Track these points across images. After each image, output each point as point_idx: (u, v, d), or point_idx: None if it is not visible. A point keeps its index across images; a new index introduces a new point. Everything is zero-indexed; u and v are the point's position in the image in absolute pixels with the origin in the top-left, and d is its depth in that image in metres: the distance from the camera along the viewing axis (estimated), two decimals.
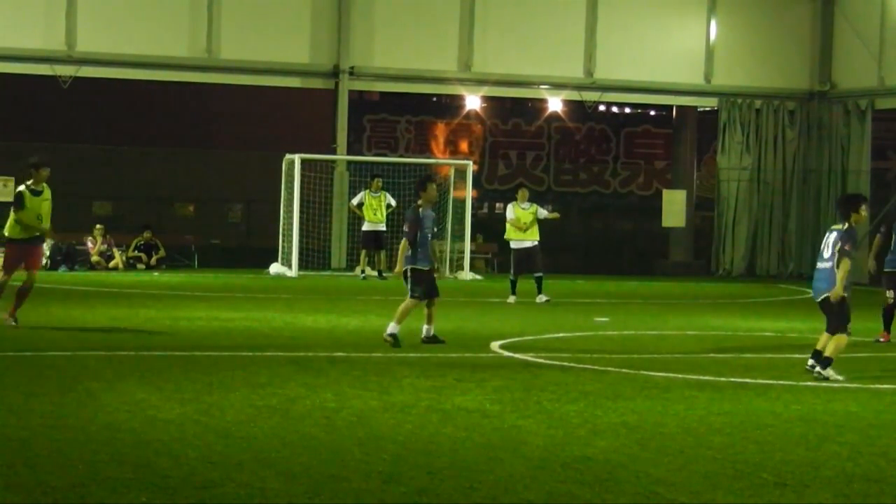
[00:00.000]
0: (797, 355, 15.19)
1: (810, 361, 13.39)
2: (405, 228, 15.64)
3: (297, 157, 29.60)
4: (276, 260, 29.84)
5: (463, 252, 30.36)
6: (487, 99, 37.72)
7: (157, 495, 7.47)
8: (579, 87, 33.66)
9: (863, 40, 33.37)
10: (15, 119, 38.79)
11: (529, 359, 14.44)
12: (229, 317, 18.70)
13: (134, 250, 30.97)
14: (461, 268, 30.26)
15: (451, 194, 30.84)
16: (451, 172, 31.51)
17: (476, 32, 32.57)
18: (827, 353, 13.12)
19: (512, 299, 22.70)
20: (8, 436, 9.10)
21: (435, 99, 41.43)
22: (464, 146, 41.99)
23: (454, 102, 39.04)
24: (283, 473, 8.10)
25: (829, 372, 13.01)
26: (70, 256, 29.41)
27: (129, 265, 30.40)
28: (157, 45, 30.87)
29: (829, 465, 8.82)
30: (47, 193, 16.52)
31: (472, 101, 36.47)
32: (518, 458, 8.75)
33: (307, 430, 9.62)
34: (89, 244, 30.07)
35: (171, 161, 37.93)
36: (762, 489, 8.05)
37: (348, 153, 32.74)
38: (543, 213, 23.16)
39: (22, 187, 16.48)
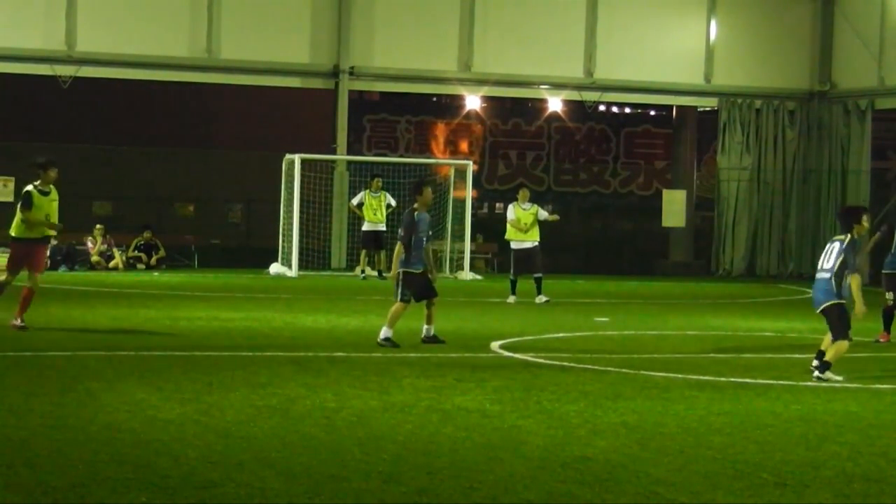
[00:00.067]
0: (797, 355, 15.20)
1: (815, 363, 13.40)
2: (400, 232, 15.66)
3: (297, 157, 29.60)
4: (276, 260, 29.83)
5: (463, 252, 30.35)
6: (487, 99, 37.72)
7: (157, 495, 7.47)
8: (579, 87, 33.66)
9: (863, 40, 33.37)
10: (15, 119, 38.81)
11: (529, 359, 14.44)
12: (229, 317, 18.71)
13: (134, 250, 30.97)
14: (461, 268, 30.26)
15: (451, 194, 30.84)
16: (451, 172, 31.51)
17: (476, 32, 32.57)
18: (827, 357, 13.15)
19: (512, 299, 22.70)
20: (8, 436, 9.10)
21: (435, 99, 41.43)
22: (464, 146, 41.99)
23: (454, 102, 39.04)
24: (283, 473, 8.11)
25: (828, 375, 13.03)
26: (70, 256, 29.42)
27: (129, 265, 30.41)
28: (157, 45, 30.87)
29: (829, 465, 8.82)
30: (55, 194, 16.43)
31: (472, 101, 36.46)
32: (518, 458, 8.75)
33: (307, 430, 9.62)
34: (89, 244, 30.07)
35: (171, 161, 37.94)
36: (762, 489, 8.05)
37: (348, 153, 32.74)
38: (544, 214, 23.14)
39: (30, 187, 16.37)
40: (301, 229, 29.53)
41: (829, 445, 9.53)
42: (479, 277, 30.15)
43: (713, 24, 34.19)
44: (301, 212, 29.54)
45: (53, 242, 27.40)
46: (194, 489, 7.66)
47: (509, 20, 32.77)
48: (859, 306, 13.40)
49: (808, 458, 9.03)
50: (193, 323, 17.76)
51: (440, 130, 41.98)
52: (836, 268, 13.28)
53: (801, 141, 34.90)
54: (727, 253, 34.69)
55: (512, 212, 23.00)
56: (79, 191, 33.33)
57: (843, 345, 13.19)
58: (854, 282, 13.26)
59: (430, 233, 16.05)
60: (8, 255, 16.60)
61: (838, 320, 13.25)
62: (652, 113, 43.50)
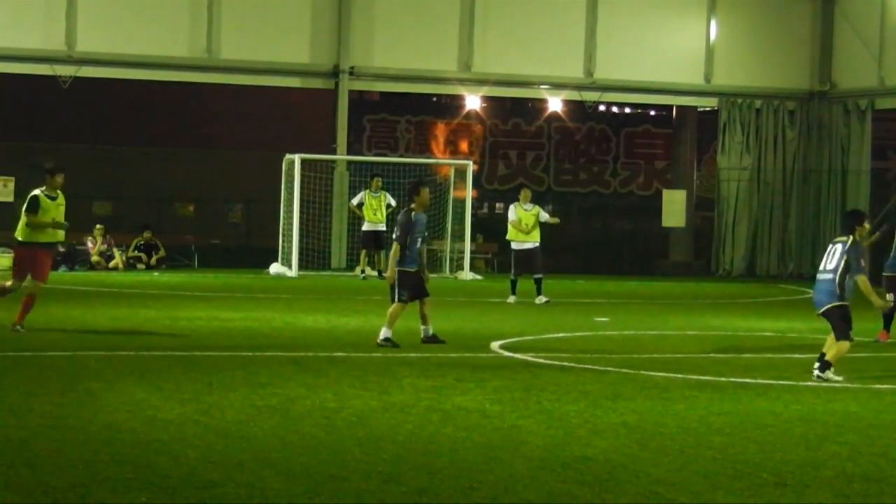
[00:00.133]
0: (797, 355, 15.22)
1: (817, 367, 13.40)
2: (397, 232, 15.70)
3: (297, 157, 29.60)
4: (276, 260, 29.84)
5: (463, 252, 30.35)
6: (487, 99, 37.72)
7: (157, 495, 7.48)
8: (579, 87, 33.66)
9: (863, 40, 33.38)
10: (15, 119, 38.80)
11: (529, 359, 14.44)
12: (229, 317, 18.71)
13: (134, 250, 30.97)
14: (461, 268, 30.25)
15: (451, 194, 30.84)
16: (451, 172, 31.51)
17: (476, 32, 32.57)
18: (828, 357, 13.15)
19: (512, 299, 22.70)
20: (8, 436, 9.10)
21: (435, 99, 41.42)
22: (464, 146, 41.98)
23: (454, 102, 39.03)
24: (283, 473, 8.11)
25: (828, 374, 13.03)
26: (70, 256, 29.42)
27: (129, 265, 30.41)
28: (157, 45, 30.88)
29: (829, 465, 8.82)
30: (61, 199, 16.28)
31: (472, 101, 36.46)
32: (518, 458, 8.75)
33: (307, 430, 9.62)
34: (89, 244, 30.07)
35: (171, 161, 37.92)
36: (762, 489, 8.05)
37: (348, 153, 32.74)
38: (545, 216, 23.08)
39: (37, 191, 16.19)
40: (301, 229, 29.53)
41: (829, 445, 9.53)
42: (479, 277, 30.14)
43: (713, 24, 34.19)
44: (301, 212, 29.54)
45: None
46: (194, 489, 7.66)
47: (509, 20, 32.77)
48: (876, 301, 13.78)
49: (808, 458, 9.03)
50: (193, 323, 17.76)
51: (440, 130, 41.97)
52: (839, 269, 13.27)
53: (801, 141, 34.90)
54: (727, 253, 34.69)
55: (513, 212, 22.97)
56: (79, 191, 33.33)
57: (845, 345, 13.20)
58: (862, 282, 13.28)
59: (426, 234, 16.10)
60: (12, 259, 16.47)
61: (840, 321, 13.26)
62: (652, 113, 43.49)
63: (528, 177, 41.42)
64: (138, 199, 36.99)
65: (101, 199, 36.32)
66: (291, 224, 29.33)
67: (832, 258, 13.43)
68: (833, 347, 13.21)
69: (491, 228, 34.72)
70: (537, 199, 23.70)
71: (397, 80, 33.47)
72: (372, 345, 15.22)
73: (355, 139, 37.18)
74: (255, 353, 14.33)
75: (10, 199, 30.94)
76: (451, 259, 30.65)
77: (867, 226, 13.86)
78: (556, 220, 23.39)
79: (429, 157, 38.34)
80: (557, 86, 33.80)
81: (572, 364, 13.98)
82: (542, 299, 22.56)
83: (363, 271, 28.66)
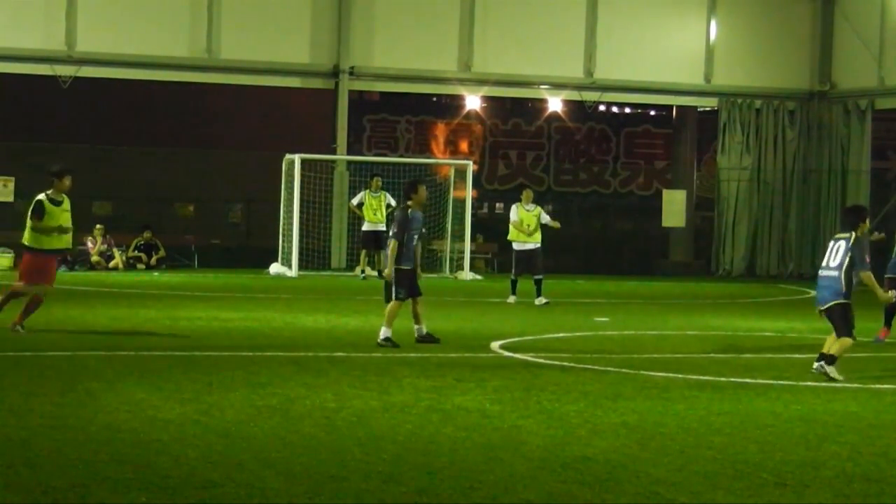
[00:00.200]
0: (797, 355, 15.21)
1: (816, 364, 13.41)
2: (394, 229, 15.73)
3: (297, 157, 29.60)
4: (276, 260, 29.84)
5: (463, 252, 30.35)
6: (487, 99, 37.72)
7: (157, 495, 7.47)
8: (579, 87, 33.67)
9: (863, 40, 33.38)
10: (15, 119, 38.82)
11: (529, 359, 14.44)
12: (229, 317, 18.71)
13: (134, 250, 30.98)
14: (461, 268, 30.25)
15: (451, 194, 30.84)
16: (451, 172, 31.51)
17: (476, 32, 32.58)
18: (832, 352, 13.15)
19: (512, 299, 22.68)
20: (8, 436, 9.10)
21: (435, 99, 41.44)
22: (464, 146, 42.00)
23: (454, 102, 39.04)
24: (283, 473, 8.11)
25: (832, 369, 13.02)
26: (70, 256, 29.41)
27: (129, 265, 30.41)
28: (157, 45, 30.88)
29: (829, 465, 8.82)
30: (67, 203, 16.10)
31: (472, 101, 36.47)
32: (518, 458, 8.75)
33: (307, 430, 9.62)
34: (89, 244, 30.06)
35: (171, 161, 37.94)
36: (762, 489, 8.05)
37: (348, 153, 32.75)
38: (546, 218, 22.99)
39: (42, 196, 15.95)
40: (301, 229, 29.53)
41: (829, 445, 9.53)
42: (479, 277, 30.14)
43: (713, 24, 34.19)
44: (301, 212, 29.54)
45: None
46: (194, 489, 7.66)
47: (509, 20, 32.78)
48: (882, 294, 13.93)
49: (808, 458, 9.03)
50: (193, 323, 17.76)
51: (440, 130, 41.99)
52: (843, 266, 13.26)
53: (801, 141, 34.90)
54: (727, 253, 34.69)
55: (515, 213, 22.88)
56: (79, 191, 33.34)
57: (848, 342, 13.20)
58: (867, 277, 13.29)
59: (423, 230, 16.14)
60: (22, 264, 16.30)
61: (842, 319, 13.26)
62: (652, 113, 43.51)
63: (528, 177, 41.44)
64: (138, 199, 37.00)
65: (101, 199, 36.33)
66: (291, 224, 29.34)
67: (836, 255, 13.40)
68: (837, 343, 13.20)
69: (491, 228, 34.72)
70: (537, 199, 23.68)
71: (397, 80, 33.47)
72: (372, 345, 15.23)
73: (355, 139, 37.19)
74: (255, 353, 14.33)
75: (10, 199, 30.95)
76: (451, 259, 30.65)
77: (867, 223, 13.84)
78: (556, 225, 23.17)
79: (429, 157, 38.36)
80: (557, 86, 33.80)
81: (572, 364, 13.98)
82: (541, 301, 22.50)
83: (363, 271, 28.65)
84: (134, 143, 38.41)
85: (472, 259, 30.90)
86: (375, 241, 28.57)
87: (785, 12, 34.81)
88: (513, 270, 23.06)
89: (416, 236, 15.77)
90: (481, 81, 33.22)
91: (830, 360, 13.10)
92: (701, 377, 13.13)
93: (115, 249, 30.22)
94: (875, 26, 33.14)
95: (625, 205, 43.07)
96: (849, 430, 10.19)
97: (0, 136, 34.89)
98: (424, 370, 13.12)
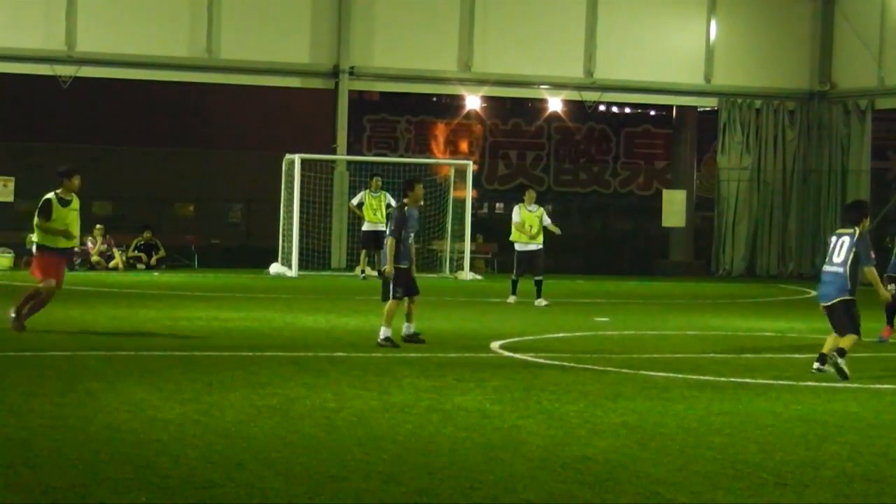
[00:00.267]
0: (797, 355, 15.22)
1: (816, 364, 13.41)
2: (391, 227, 15.75)
3: (297, 157, 29.60)
4: (276, 260, 29.84)
5: (463, 252, 30.35)
6: (487, 99, 37.72)
7: (157, 495, 7.47)
8: (579, 87, 33.66)
9: (863, 40, 33.38)
10: (15, 119, 38.82)
11: (529, 359, 14.44)
12: (229, 317, 18.71)
13: (134, 250, 30.98)
14: (461, 268, 30.25)
15: (451, 194, 30.84)
16: (451, 172, 31.51)
17: (476, 32, 32.58)
18: (842, 345, 13.15)
19: (512, 299, 22.66)
20: (8, 436, 9.10)
21: (435, 99, 41.45)
22: (464, 146, 42.01)
23: (454, 102, 39.05)
24: (283, 473, 8.11)
25: (843, 361, 13.02)
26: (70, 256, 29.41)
27: (129, 265, 30.41)
28: (157, 45, 30.88)
29: (829, 465, 8.82)
30: (76, 203, 16.13)
31: (472, 101, 36.46)
32: (518, 458, 8.75)
33: (307, 430, 9.62)
34: (89, 244, 30.05)
35: (171, 161, 37.93)
36: (762, 489, 8.05)
37: (348, 153, 32.75)
38: (548, 220, 22.94)
39: (50, 195, 15.94)
40: (301, 229, 29.53)
41: (829, 445, 9.53)
42: (479, 277, 30.14)
43: (713, 24, 34.19)
44: (301, 212, 29.54)
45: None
46: (194, 489, 7.66)
47: (509, 20, 32.77)
48: (882, 292, 13.93)
49: (808, 458, 9.03)
50: (193, 323, 17.76)
51: (440, 130, 42.00)
52: (848, 261, 13.25)
53: (801, 141, 34.91)
54: (727, 253, 34.69)
55: (517, 214, 22.80)
56: (79, 191, 33.39)
57: (853, 337, 13.22)
58: (870, 272, 13.30)
59: (417, 228, 16.18)
60: (36, 263, 16.25)
61: (847, 316, 13.27)
62: (652, 113, 43.52)
63: (528, 177, 41.45)
64: (138, 199, 37.00)
65: (101, 199, 36.32)
66: (291, 224, 29.34)
67: (840, 251, 13.37)
68: (846, 338, 13.20)
69: (491, 228, 34.72)
70: (537, 200, 23.64)
71: (397, 80, 33.47)
72: (372, 345, 15.23)
73: (355, 139, 37.20)
74: (255, 353, 14.33)
75: (10, 199, 30.95)
76: (451, 259, 30.65)
77: (868, 219, 13.86)
78: (557, 230, 23.04)
79: (429, 157, 38.36)
80: (557, 86, 33.80)
81: (572, 364, 13.98)
82: (541, 302, 22.45)
83: (363, 271, 28.65)
84: (134, 143, 38.41)
85: (472, 259, 30.90)
86: (375, 241, 28.50)
87: (785, 12, 34.81)
88: (514, 271, 23.00)
89: (411, 234, 15.82)
90: (481, 81, 33.22)
91: (842, 351, 13.11)
92: (701, 377, 13.13)
93: (115, 249, 30.22)
94: (875, 26, 33.14)
95: (625, 205, 43.08)
96: (849, 430, 10.19)
97: (0, 136, 34.89)
98: (424, 370, 13.12)
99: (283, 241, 29.85)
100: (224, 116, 40.87)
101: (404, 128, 41.71)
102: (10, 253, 29.51)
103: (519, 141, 42.74)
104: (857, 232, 13.39)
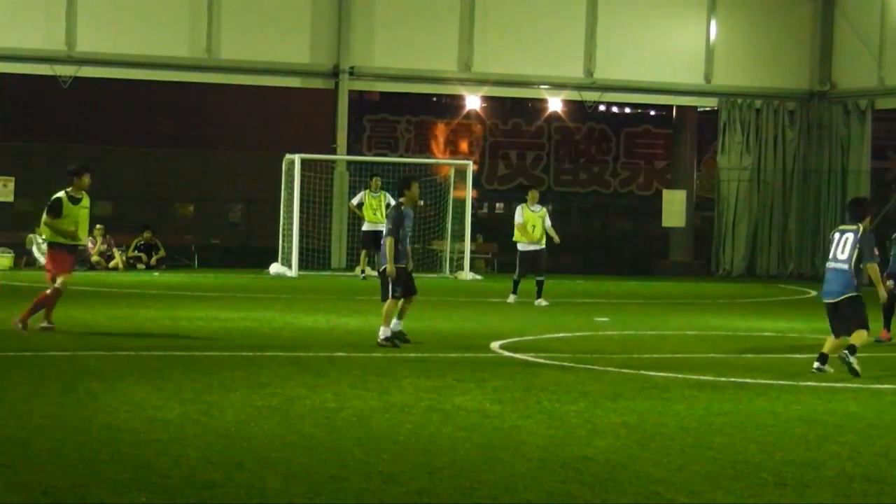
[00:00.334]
0: (797, 355, 15.22)
1: (816, 364, 13.41)
2: (389, 226, 15.73)
3: (297, 157, 29.61)
4: (276, 260, 29.84)
5: (463, 252, 30.35)
6: (487, 99, 37.73)
7: (157, 495, 7.47)
8: (579, 87, 33.66)
9: (863, 40, 33.38)
10: (15, 119, 38.82)
11: (529, 359, 14.44)
12: (229, 317, 18.71)
13: (134, 250, 30.98)
14: (461, 268, 30.25)
15: (451, 194, 30.84)
16: (451, 172, 31.51)
17: (476, 32, 32.57)
18: (853, 342, 13.16)
19: (512, 298, 22.64)
20: (8, 436, 9.10)
21: (435, 99, 41.46)
22: (464, 146, 42.02)
23: (454, 102, 39.06)
24: (283, 473, 8.11)
25: (854, 359, 13.05)
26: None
27: (129, 265, 30.41)
28: (157, 45, 30.88)
29: (829, 465, 8.82)
30: (86, 201, 16.21)
31: (472, 101, 36.47)
32: (518, 458, 8.75)
33: (307, 430, 9.62)
34: (89, 244, 30.04)
35: (171, 161, 37.94)
36: (762, 489, 8.05)
37: (348, 153, 32.74)
38: (549, 222, 22.90)
39: (61, 194, 15.99)
40: (301, 229, 29.53)
41: (829, 445, 9.53)
42: (479, 277, 30.14)
43: (713, 24, 34.19)
44: (301, 212, 29.54)
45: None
46: (194, 489, 7.66)
47: (509, 20, 32.77)
48: (881, 291, 13.96)
49: (808, 458, 9.03)
50: (193, 323, 17.76)
51: (440, 130, 42.01)
52: (853, 258, 13.24)
53: (801, 141, 34.91)
54: (727, 253, 34.69)
55: (520, 215, 22.73)
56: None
57: (864, 334, 13.25)
58: (872, 269, 13.30)
59: (411, 229, 16.21)
60: (49, 258, 16.23)
61: (855, 312, 13.27)
62: (652, 113, 43.53)
63: (528, 177, 41.45)
64: (138, 199, 37.01)
65: (101, 199, 36.27)
66: (291, 224, 29.34)
67: (844, 247, 13.35)
68: (856, 335, 13.20)
69: (491, 228, 34.73)
70: (538, 200, 23.61)
71: (397, 80, 33.47)
72: (372, 345, 15.23)
73: (355, 139, 37.20)
74: (255, 353, 14.33)
75: (10, 199, 30.95)
76: (451, 259, 30.65)
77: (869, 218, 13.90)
78: (556, 238, 22.94)
79: (429, 157, 38.36)
80: (557, 86, 33.80)
81: (572, 364, 13.98)
82: (541, 302, 22.44)
83: (363, 271, 28.64)
84: (134, 143, 38.41)
85: (472, 259, 30.91)
86: (375, 241, 28.40)
87: (785, 12, 34.81)
88: (517, 271, 22.91)
89: (408, 233, 15.82)
90: (481, 81, 33.22)
91: (853, 349, 13.12)
92: (701, 377, 13.13)
93: (115, 249, 30.22)
94: (875, 26, 33.14)
95: (625, 205, 43.09)
96: (849, 430, 10.19)
97: (0, 136, 34.89)
98: (424, 370, 13.12)
99: (283, 241, 29.86)
100: (224, 116, 40.89)
101: (404, 128, 41.72)
102: (10, 253, 29.52)
103: (519, 141, 42.75)
104: (861, 228, 13.38)
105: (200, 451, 8.68)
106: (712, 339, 17.45)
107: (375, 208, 28.29)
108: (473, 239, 31.71)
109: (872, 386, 12.87)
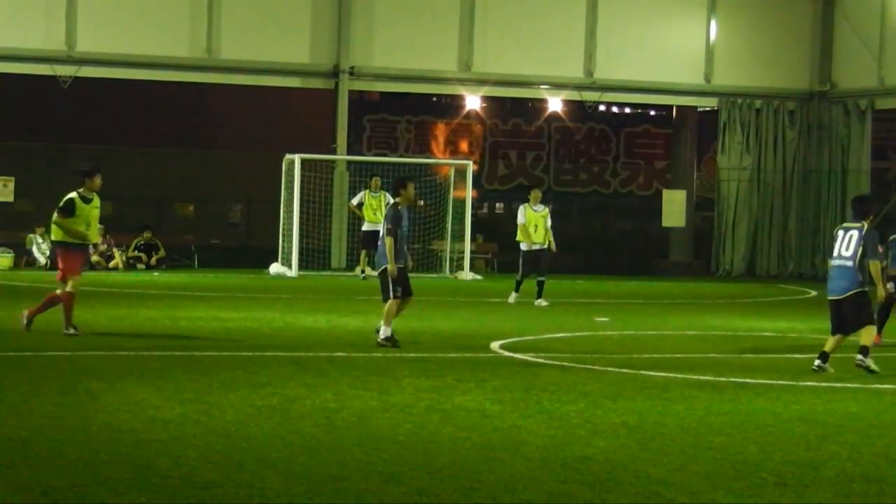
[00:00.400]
0: (797, 355, 15.22)
1: (816, 362, 13.43)
2: (388, 226, 15.71)
3: (297, 157, 29.61)
4: (276, 260, 29.84)
5: (463, 252, 30.35)
6: (487, 99, 37.72)
7: (157, 495, 7.47)
8: (579, 87, 33.66)
9: (863, 40, 33.38)
10: (15, 119, 38.82)
11: (529, 359, 14.44)
12: (229, 317, 18.71)
13: (134, 250, 30.97)
14: (461, 268, 30.25)
15: (451, 194, 30.84)
16: (451, 172, 31.51)
17: (476, 32, 32.57)
18: (864, 342, 13.19)
19: (513, 297, 22.63)
20: (8, 436, 9.10)
21: (435, 99, 41.44)
22: (464, 146, 42.00)
23: (454, 102, 39.04)
24: (283, 473, 8.11)
25: (870, 360, 13.09)
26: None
27: (129, 265, 30.40)
28: (157, 45, 30.88)
29: (829, 465, 8.82)
30: (97, 202, 16.44)
31: (472, 101, 36.46)
32: (518, 458, 8.75)
33: (307, 430, 9.62)
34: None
35: (171, 161, 37.93)
36: (762, 489, 8.05)
37: (348, 153, 32.74)
38: (549, 224, 22.88)
39: (73, 194, 16.14)
40: (301, 229, 29.53)
41: (829, 445, 9.53)
42: (479, 277, 30.14)
43: (713, 24, 34.20)
44: (301, 212, 29.54)
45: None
46: (194, 489, 7.66)
47: (509, 20, 32.77)
48: (881, 290, 13.92)
49: (808, 458, 9.03)
50: (193, 323, 17.77)
51: (440, 130, 42.00)
52: (857, 255, 13.25)
53: (801, 141, 34.91)
54: (727, 253, 34.69)
55: (522, 215, 22.70)
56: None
57: (872, 328, 13.28)
58: (874, 267, 13.31)
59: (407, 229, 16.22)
60: (61, 258, 16.21)
61: (863, 308, 13.30)
62: (652, 113, 43.51)
63: (528, 177, 41.44)
64: (138, 199, 36.99)
65: (101, 198, 36.24)
66: (291, 224, 29.34)
67: (849, 244, 13.36)
68: (865, 333, 13.23)
69: (491, 229, 34.72)
70: None
71: (397, 80, 33.47)
72: (372, 345, 15.22)
73: (355, 139, 37.19)
74: (255, 353, 14.33)
75: (10, 199, 30.95)
76: (451, 259, 30.65)
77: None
78: (552, 246, 22.84)
79: (429, 157, 38.34)
80: (557, 86, 33.80)
81: (572, 364, 13.98)
82: (542, 302, 22.43)
83: (363, 271, 28.63)
84: (134, 143, 38.41)
85: (472, 259, 30.91)
86: (375, 241, 28.39)
87: (785, 12, 34.81)
88: (519, 271, 22.86)
89: (406, 233, 15.83)
90: (481, 81, 33.22)
91: (865, 350, 13.15)
92: (701, 377, 13.13)
93: (115, 249, 30.21)
94: (875, 26, 33.14)
95: (625, 205, 43.07)
96: (849, 430, 10.19)
97: (0, 136, 34.89)
98: (424, 370, 13.12)
99: (283, 241, 29.86)
100: (224, 116, 40.87)
101: (404, 128, 41.71)
102: (10, 253, 29.52)
103: (519, 141, 42.74)
104: (865, 226, 13.39)
105: (200, 451, 8.68)
106: (712, 339, 17.45)
107: (375, 208, 28.28)
108: (473, 239, 31.71)
109: (872, 386, 12.87)
